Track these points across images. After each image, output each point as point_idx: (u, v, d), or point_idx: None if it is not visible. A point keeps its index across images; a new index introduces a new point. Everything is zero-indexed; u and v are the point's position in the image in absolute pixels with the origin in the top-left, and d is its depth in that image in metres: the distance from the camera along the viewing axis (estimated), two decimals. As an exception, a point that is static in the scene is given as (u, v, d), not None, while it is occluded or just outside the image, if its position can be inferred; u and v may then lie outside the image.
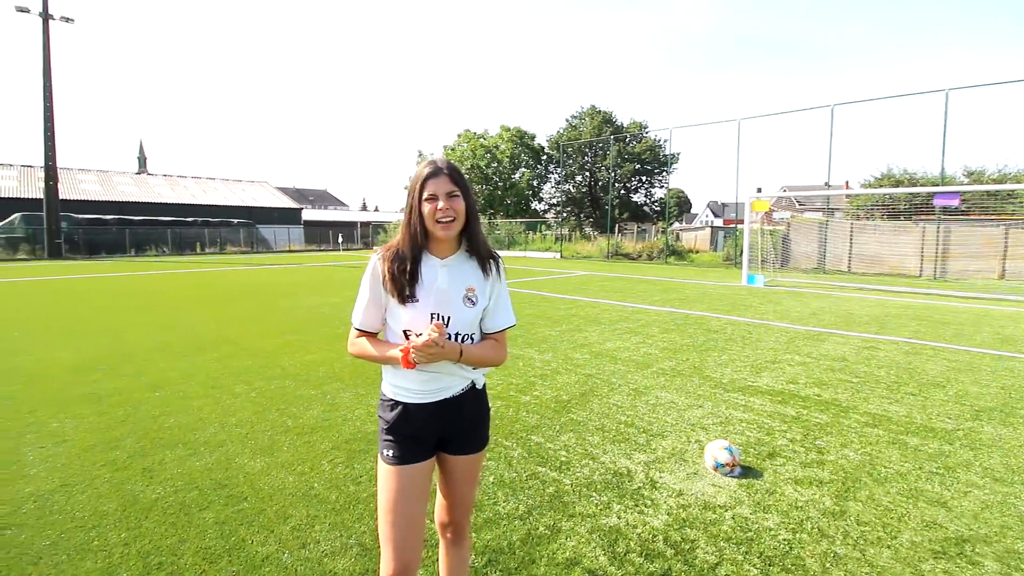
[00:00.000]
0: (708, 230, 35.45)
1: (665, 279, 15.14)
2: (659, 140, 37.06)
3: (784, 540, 2.37)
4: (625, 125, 38.76)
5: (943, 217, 16.71)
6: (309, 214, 47.86)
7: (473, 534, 2.40)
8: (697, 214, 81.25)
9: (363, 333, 1.61)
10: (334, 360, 5.53)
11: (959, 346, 6.36)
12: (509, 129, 39.71)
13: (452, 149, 40.25)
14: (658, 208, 39.31)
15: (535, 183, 41.32)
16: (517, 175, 40.83)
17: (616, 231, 30.82)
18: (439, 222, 1.49)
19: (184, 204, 36.48)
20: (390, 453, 1.56)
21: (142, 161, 76.82)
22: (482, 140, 39.53)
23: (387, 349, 1.54)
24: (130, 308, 9.32)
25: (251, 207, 39.28)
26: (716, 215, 75.21)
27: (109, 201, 33.60)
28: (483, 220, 35.51)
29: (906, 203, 19.01)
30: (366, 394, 4.40)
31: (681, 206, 67.65)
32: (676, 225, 49.95)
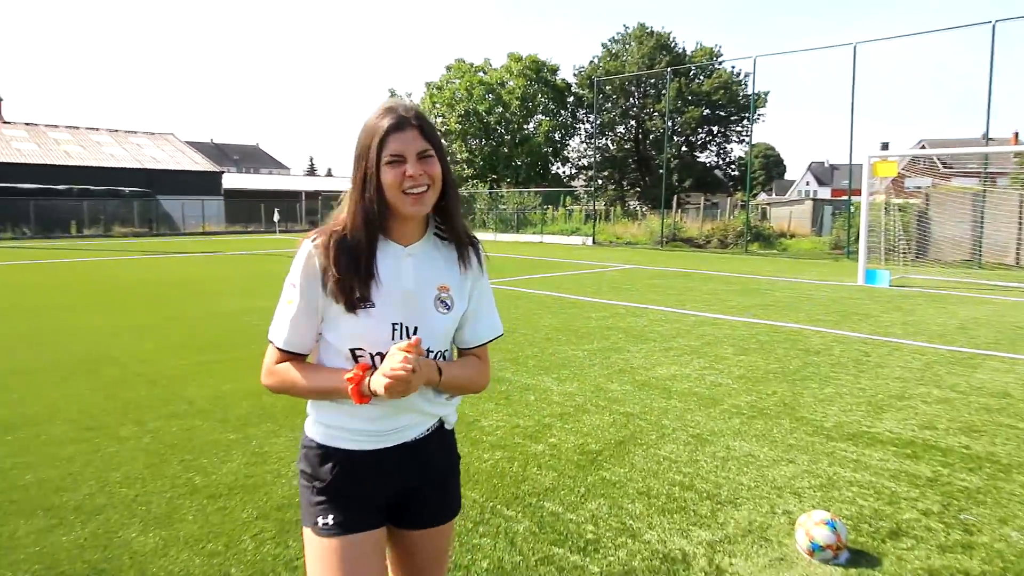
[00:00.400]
0: (809, 204, 35.35)
1: (745, 276, 15.17)
2: (739, 74, 36.98)
3: (910, 659, 2.35)
4: (689, 53, 38.71)
5: None
6: (232, 179, 48.32)
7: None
8: (794, 181, 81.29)
9: (287, 356, 1.56)
10: (262, 391, 5.55)
11: None
12: (520, 59, 39.88)
13: (439, 88, 40.53)
14: (736, 173, 39.26)
15: (558, 136, 41.46)
16: (531, 124, 41.01)
17: (675, 206, 30.86)
18: (407, 193, 1.44)
19: (55, 166, 37.00)
20: (329, 520, 1.51)
21: (-7, 105, 77.91)
22: (481, 74, 39.75)
23: (327, 377, 1.51)
24: (-25, 314, 9.46)
25: (150, 170, 39.79)
26: (821, 183, 75.19)
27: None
28: (481, 190, 35.82)
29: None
30: (291, 445, 4.43)
31: (770, 170, 67.61)
32: (763, 197, 49.93)
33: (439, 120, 40.51)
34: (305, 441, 1.59)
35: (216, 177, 43.11)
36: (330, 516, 1.50)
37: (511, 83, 39.69)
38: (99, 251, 22.61)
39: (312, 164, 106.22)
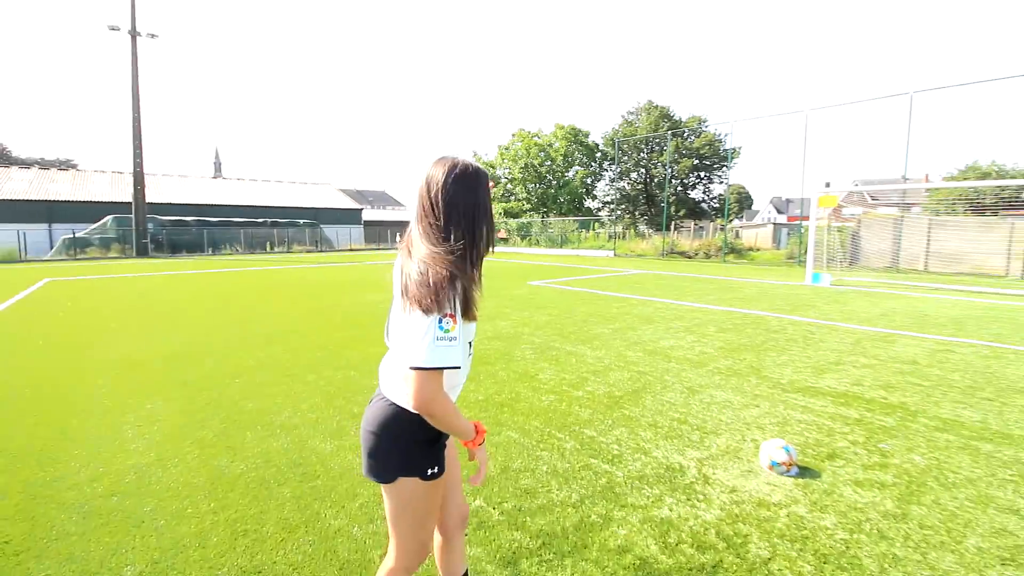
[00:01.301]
0: (770, 227, 33.90)
1: (723, 278, 14.69)
2: (719, 135, 35.81)
3: (841, 540, 2.33)
4: (683, 120, 37.69)
5: (1038, 211, 15.24)
6: (369, 214, 49.68)
7: (528, 518, 2.52)
8: (759, 211, 77.76)
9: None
10: (394, 353, 5.80)
11: (1051, 351, 5.86)
12: (563, 127, 39.60)
13: (507, 148, 40.63)
14: (717, 205, 37.98)
15: (589, 181, 41.01)
16: (571, 173, 40.69)
17: (672, 228, 30.06)
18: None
19: (255, 206, 38.80)
20: (435, 470, 1.43)
21: (218, 166, 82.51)
22: (536, 139, 39.66)
23: (463, 423, 1.37)
24: (208, 303, 10.09)
25: (316, 208, 41.23)
26: (779, 211, 71.68)
27: (189, 203, 36.24)
28: (536, 218, 35.73)
29: (993, 197, 17.47)
30: (424, 385, 4.61)
31: (742, 203, 64.97)
32: (736, 222, 48.05)
33: (507, 171, 40.62)
34: (407, 417, 1.39)
35: (358, 212, 44.34)
36: (436, 466, 1.44)
37: (556, 144, 39.40)
38: (284, 262, 23.65)
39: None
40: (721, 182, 37.33)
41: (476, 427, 1.42)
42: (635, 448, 3.30)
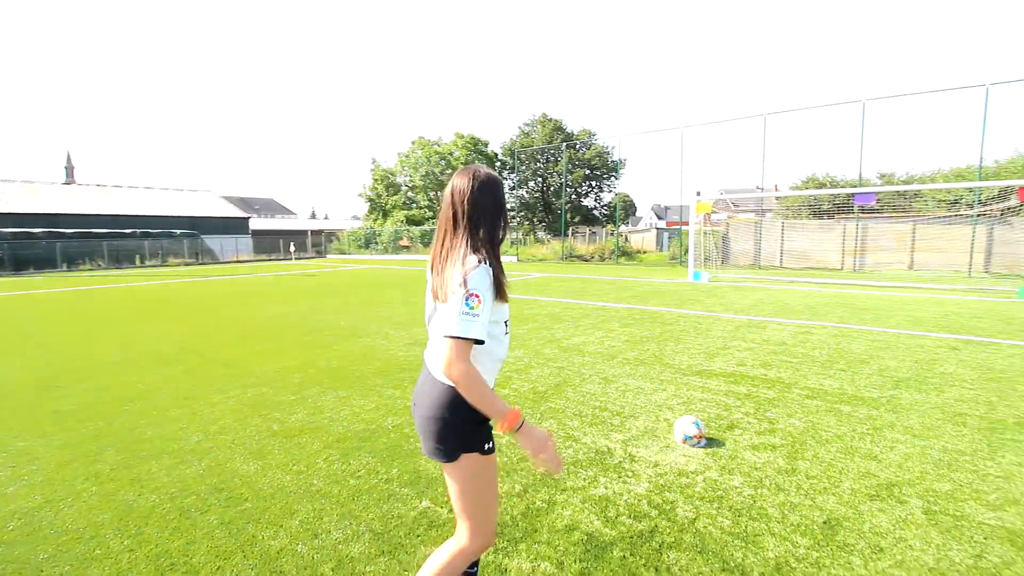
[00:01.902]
0: (654, 231, 36.82)
1: (618, 278, 15.70)
2: (607, 147, 38.19)
3: (748, 495, 2.67)
4: (575, 132, 39.66)
5: (860, 216, 18.21)
6: (256, 223, 46.11)
7: (475, 512, 2.56)
8: (642, 217, 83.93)
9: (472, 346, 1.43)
10: (307, 366, 5.50)
11: (879, 328, 7.06)
12: (463, 136, 39.79)
13: (407, 156, 39.89)
14: (607, 212, 40.39)
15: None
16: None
17: (569, 234, 31.48)
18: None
19: (120, 215, 34.26)
20: (491, 444, 1.55)
21: (69, 171, 71.48)
22: (436, 147, 39.42)
23: (494, 400, 1.43)
24: (75, 324, 8.79)
25: (194, 217, 37.39)
26: (660, 217, 78.00)
27: (36, 213, 31.12)
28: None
29: (829, 203, 20.54)
30: (347, 396, 4.44)
31: (627, 209, 69.69)
32: (623, 228, 51.45)
33: (407, 178, 39.88)
34: (463, 398, 1.45)
35: (244, 221, 40.94)
36: (489, 442, 1.55)
37: (457, 152, 39.49)
38: (161, 276, 21.16)
39: (313, 211, 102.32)
40: (610, 191, 39.82)
41: (513, 414, 1.43)
42: (566, 437, 3.47)
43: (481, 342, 1.41)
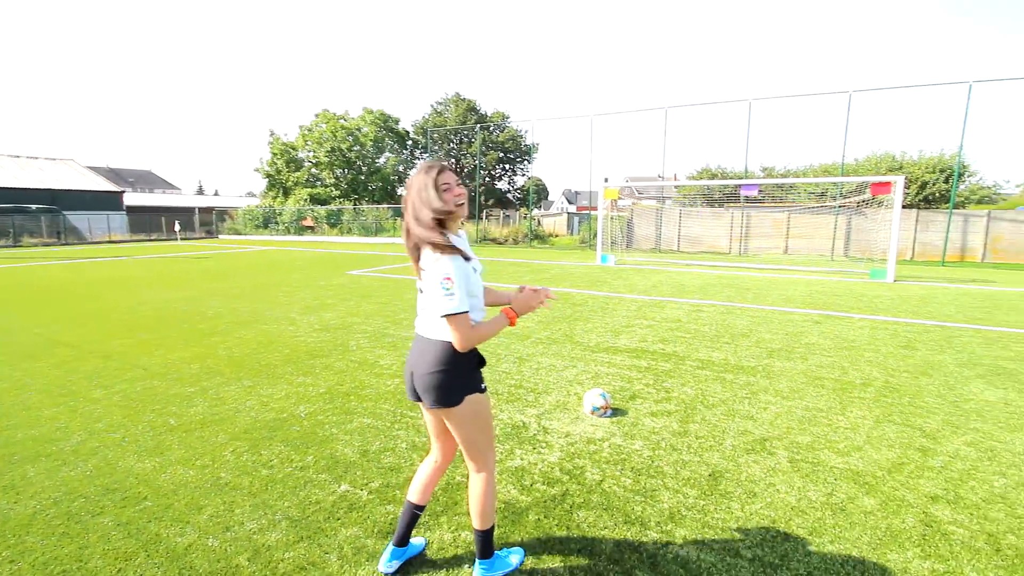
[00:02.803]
0: (565, 216, 37.98)
1: (531, 261, 16.12)
2: (520, 130, 38.55)
3: (647, 456, 2.98)
4: (489, 114, 39.56)
5: (745, 205, 20.15)
6: (132, 198, 41.05)
7: (397, 492, 2.63)
8: (553, 201, 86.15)
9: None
10: (205, 355, 5.15)
11: (758, 305, 7.98)
12: (372, 111, 38.08)
13: (309, 130, 37.40)
14: (520, 195, 40.98)
15: (401, 168, 40.31)
16: (382, 160, 39.42)
17: (483, 217, 31.56)
18: (459, 205, 1.83)
19: (-47, 186, 28.92)
20: (483, 384, 1.90)
21: None
22: (343, 121, 37.36)
23: (495, 322, 1.83)
24: (-97, 316, 7.42)
25: (54, 190, 32.50)
26: (570, 202, 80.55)
27: None
28: (347, 206, 33.93)
29: (720, 193, 22.49)
30: (253, 385, 4.25)
31: (540, 193, 71.13)
32: (536, 211, 52.50)
33: (311, 154, 37.52)
34: (455, 351, 1.78)
35: (118, 196, 36.26)
36: (483, 382, 1.91)
37: (365, 128, 37.69)
38: (15, 259, 18.29)
39: (200, 185, 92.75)
40: (523, 174, 40.42)
41: (507, 314, 1.85)
42: (483, 415, 3.61)
43: (465, 312, 1.71)
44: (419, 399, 1.89)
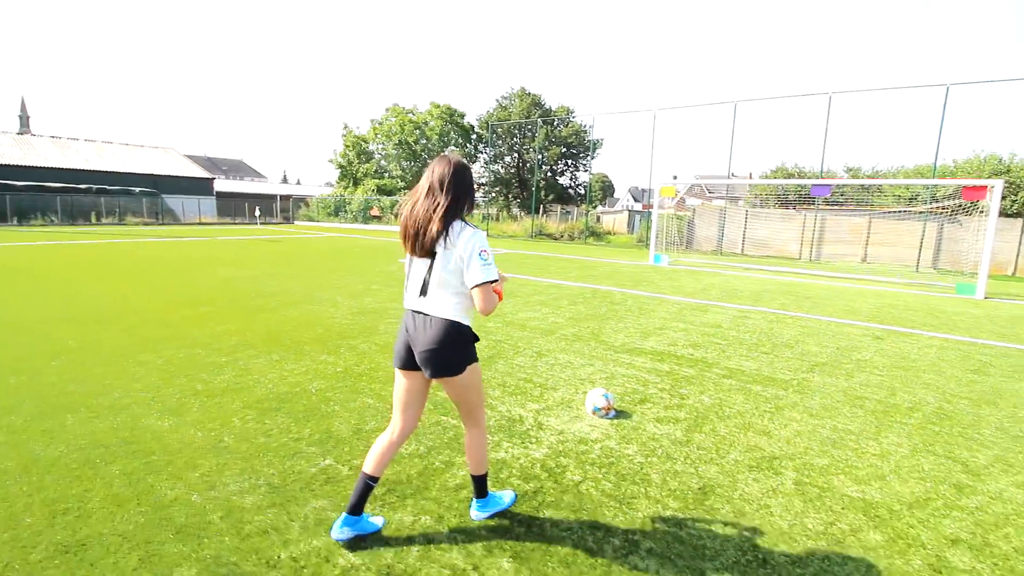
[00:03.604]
0: (626, 213, 37.08)
1: (582, 258, 15.88)
2: (584, 125, 37.97)
3: (638, 462, 2.85)
4: (553, 109, 39.28)
5: (820, 208, 18.73)
6: (223, 184, 44.56)
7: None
8: (619, 198, 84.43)
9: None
10: (246, 330, 5.49)
11: (813, 315, 7.40)
12: (439, 106, 38.97)
13: (380, 123, 38.93)
14: (583, 191, 40.46)
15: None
16: (447, 153, 40.32)
17: (541, 212, 31.48)
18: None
19: (76, 170, 32.66)
20: (476, 355, 2.14)
21: (24, 120, 67.62)
22: (411, 116, 38.53)
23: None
24: (20, 280, 8.50)
25: (155, 175, 35.92)
26: (636, 200, 78.60)
27: (-18, 163, 29.45)
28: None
29: (795, 194, 21.05)
30: (280, 360, 4.48)
31: (605, 190, 69.81)
32: (600, 208, 51.67)
33: (380, 147, 39.01)
34: (465, 328, 2.04)
35: (209, 182, 39.49)
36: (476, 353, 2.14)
37: (432, 123, 38.67)
38: (117, 235, 20.43)
39: (285, 175, 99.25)
40: (586, 170, 39.83)
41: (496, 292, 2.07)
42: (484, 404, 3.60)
43: (496, 280, 1.98)
44: (408, 368, 2.10)
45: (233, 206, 37.97)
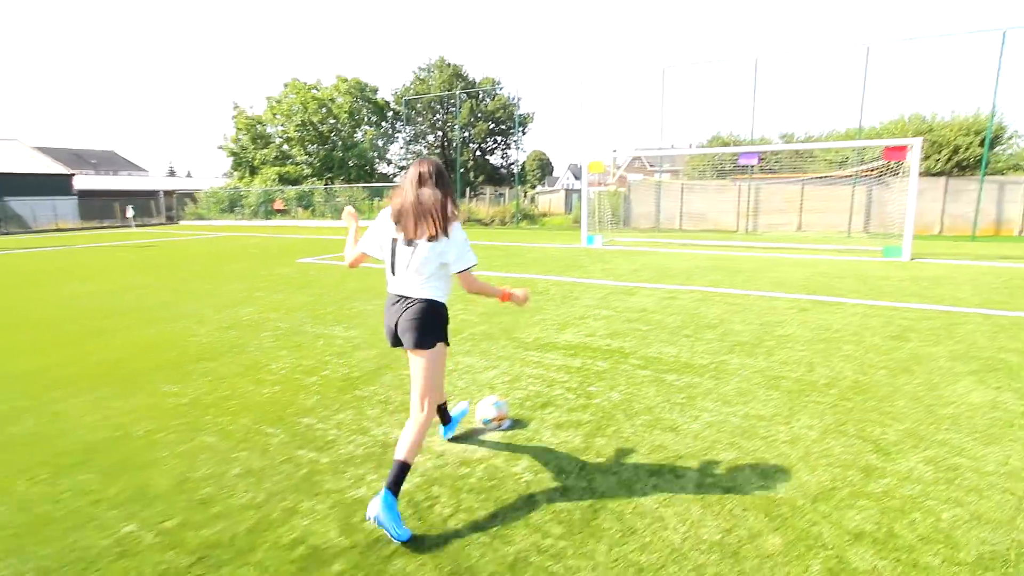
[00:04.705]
0: (563, 192, 37.48)
1: (512, 244, 15.77)
2: (512, 98, 37.82)
3: (524, 482, 2.67)
4: (477, 81, 38.81)
5: (755, 177, 19.63)
6: (87, 181, 40.72)
7: (190, 533, 2.32)
8: (559, 177, 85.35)
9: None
10: (73, 361, 4.86)
11: (742, 291, 7.62)
12: (346, 80, 37.39)
13: (278, 101, 36.81)
14: (516, 171, 40.46)
15: (381, 143, 39.73)
16: (359, 134, 38.83)
17: (469, 195, 31.10)
18: None
19: None
20: (449, 340, 2.57)
21: None
22: (314, 92, 36.73)
23: (493, 288, 2.69)
24: None
25: (-5, 174, 32.27)
26: (576, 177, 79.77)
27: None
28: (319, 186, 33.54)
29: (731, 163, 21.94)
30: (107, 397, 3.95)
31: (543, 168, 70.23)
32: (539, 188, 51.95)
33: (280, 128, 36.98)
34: (442, 308, 2.51)
35: (66, 179, 36.03)
36: (448, 339, 2.59)
37: (340, 99, 37.08)
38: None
39: (171, 168, 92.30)
40: (518, 148, 39.82)
41: (503, 292, 2.69)
42: (355, 430, 3.31)
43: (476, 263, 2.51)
44: (400, 345, 2.49)
45: (101, 207, 34.81)
